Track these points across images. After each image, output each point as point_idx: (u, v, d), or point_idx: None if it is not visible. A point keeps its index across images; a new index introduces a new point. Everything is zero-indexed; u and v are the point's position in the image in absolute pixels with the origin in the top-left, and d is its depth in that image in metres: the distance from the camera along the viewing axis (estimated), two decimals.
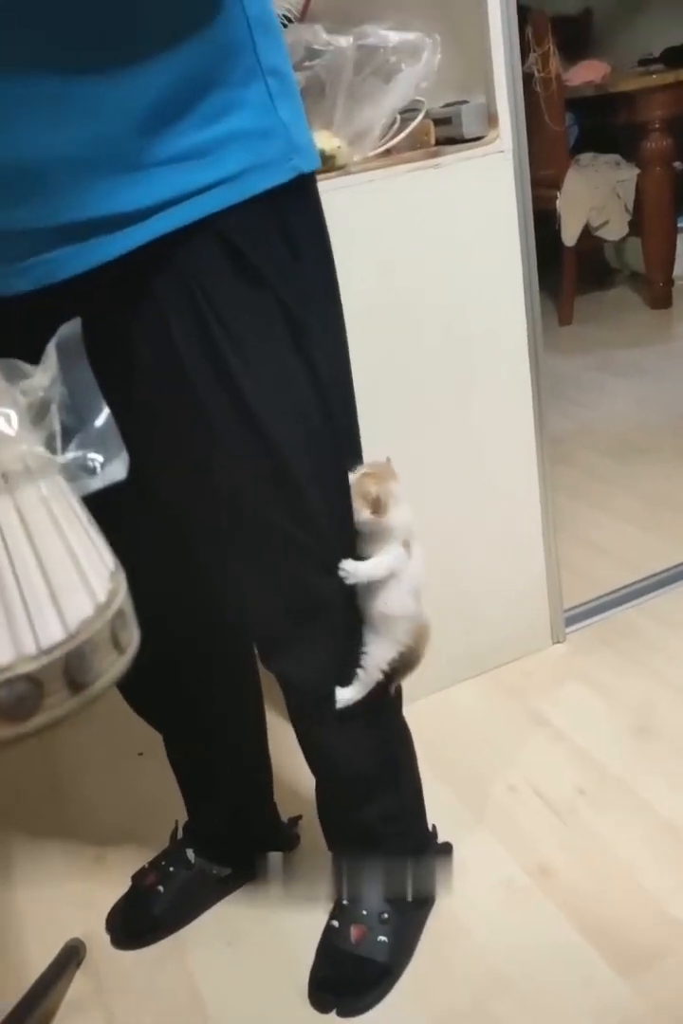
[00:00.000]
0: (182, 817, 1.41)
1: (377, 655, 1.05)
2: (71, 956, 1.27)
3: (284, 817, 1.44)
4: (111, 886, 1.41)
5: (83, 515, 0.38)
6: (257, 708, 1.32)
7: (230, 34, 0.80)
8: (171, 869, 1.36)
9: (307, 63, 1.33)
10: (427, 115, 1.47)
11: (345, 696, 1.06)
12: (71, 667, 0.29)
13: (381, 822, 1.21)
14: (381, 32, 1.36)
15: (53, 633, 0.30)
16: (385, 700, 1.12)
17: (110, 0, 0.73)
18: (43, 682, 0.29)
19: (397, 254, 1.47)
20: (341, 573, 0.98)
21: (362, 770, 1.17)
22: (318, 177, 0.94)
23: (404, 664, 1.09)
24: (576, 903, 1.28)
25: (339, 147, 1.37)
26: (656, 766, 1.50)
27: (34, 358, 0.77)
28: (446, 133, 1.48)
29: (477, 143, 1.46)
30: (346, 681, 1.07)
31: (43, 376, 0.45)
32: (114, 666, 0.31)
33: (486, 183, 1.49)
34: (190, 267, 0.84)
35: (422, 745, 1.27)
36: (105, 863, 1.49)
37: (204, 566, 1.05)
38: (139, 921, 1.33)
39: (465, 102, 1.46)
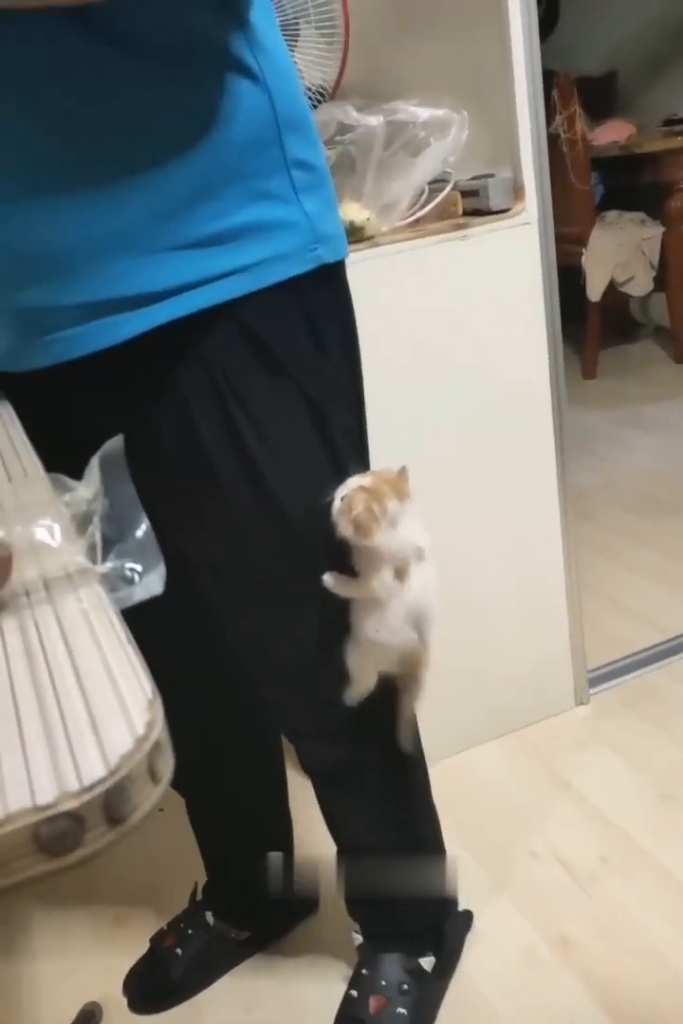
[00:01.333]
0: (202, 878, 1.41)
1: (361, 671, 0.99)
2: (88, 1020, 1.27)
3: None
4: (129, 947, 1.41)
5: (122, 631, 0.40)
6: (278, 774, 1.33)
7: (257, 130, 0.83)
8: (190, 932, 1.36)
9: (338, 138, 1.37)
10: (455, 187, 1.50)
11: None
12: (111, 803, 0.31)
13: (403, 890, 1.21)
14: (411, 108, 1.40)
15: (94, 768, 0.31)
16: (409, 771, 1.12)
17: (133, 99, 0.77)
18: (84, 818, 0.30)
19: (424, 320, 1.50)
20: (324, 583, 0.93)
21: (384, 841, 1.17)
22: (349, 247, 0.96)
23: (401, 690, 1.03)
24: (597, 976, 1.26)
25: (368, 219, 1.40)
26: (681, 834, 1.48)
27: (46, 433, 0.81)
28: (473, 205, 1.51)
29: (503, 215, 1.49)
30: (371, 756, 1.06)
31: (86, 489, 0.47)
32: (150, 798, 0.32)
33: (512, 252, 1.52)
34: (212, 354, 0.86)
35: (441, 807, 1.26)
36: (124, 923, 1.49)
37: (227, 644, 1.06)
38: (157, 985, 1.33)
39: (492, 175, 1.49)
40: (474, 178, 1.52)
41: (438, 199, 1.47)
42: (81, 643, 0.41)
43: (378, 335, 1.45)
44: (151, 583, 0.45)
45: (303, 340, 0.90)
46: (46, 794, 0.31)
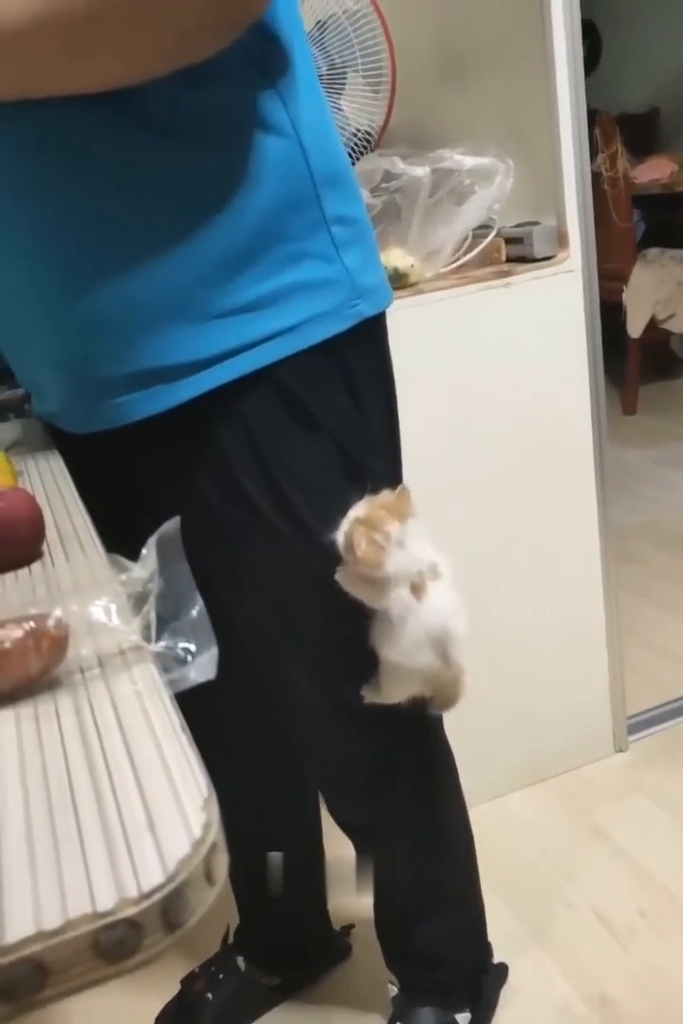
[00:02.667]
0: (234, 921, 1.40)
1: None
2: None
3: (336, 926, 1.42)
4: (160, 989, 1.40)
5: (176, 718, 0.40)
6: (314, 821, 1.32)
7: (292, 190, 0.83)
8: (221, 976, 1.35)
9: (384, 185, 1.38)
10: (498, 234, 1.50)
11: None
12: (169, 909, 0.31)
13: (440, 943, 1.19)
14: (456, 156, 1.41)
15: (153, 874, 0.31)
16: (447, 824, 1.11)
17: (167, 171, 0.78)
18: (143, 925, 0.30)
19: (466, 365, 1.50)
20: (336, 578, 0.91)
21: (422, 890, 1.16)
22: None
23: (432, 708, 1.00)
24: None
25: (412, 265, 1.41)
26: None
27: (95, 488, 0.83)
28: (517, 252, 1.51)
29: (547, 262, 1.49)
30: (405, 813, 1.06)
31: (143, 570, 0.47)
32: (206, 901, 0.32)
33: (555, 300, 1.52)
34: (250, 414, 0.86)
35: (477, 854, 1.24)
36: (155, 964, 1.48)
37: (266, 698, 1.06)
38: None
39: (536, 223, 1.50)
40: (518, 225, 1.52)
41: (482, 246, 1.48)
42: (136, 729, 0.41)
43: (420, 380, 1.46)
44: (205, 665, 0.45)
45: (341, 397, 0.90)
46: (106, 900, 0.31)
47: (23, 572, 0.62)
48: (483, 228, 1.50)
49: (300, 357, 0.85)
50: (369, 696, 0.97)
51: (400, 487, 0.89)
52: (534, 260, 1.48)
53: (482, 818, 1.61)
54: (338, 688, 1.00)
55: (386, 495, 0.88)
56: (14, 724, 0.44)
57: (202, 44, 0.72)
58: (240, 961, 1.36)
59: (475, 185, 1.41)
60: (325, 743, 1.07)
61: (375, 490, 0.90)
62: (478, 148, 1.44)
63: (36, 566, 0.63)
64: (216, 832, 0.34)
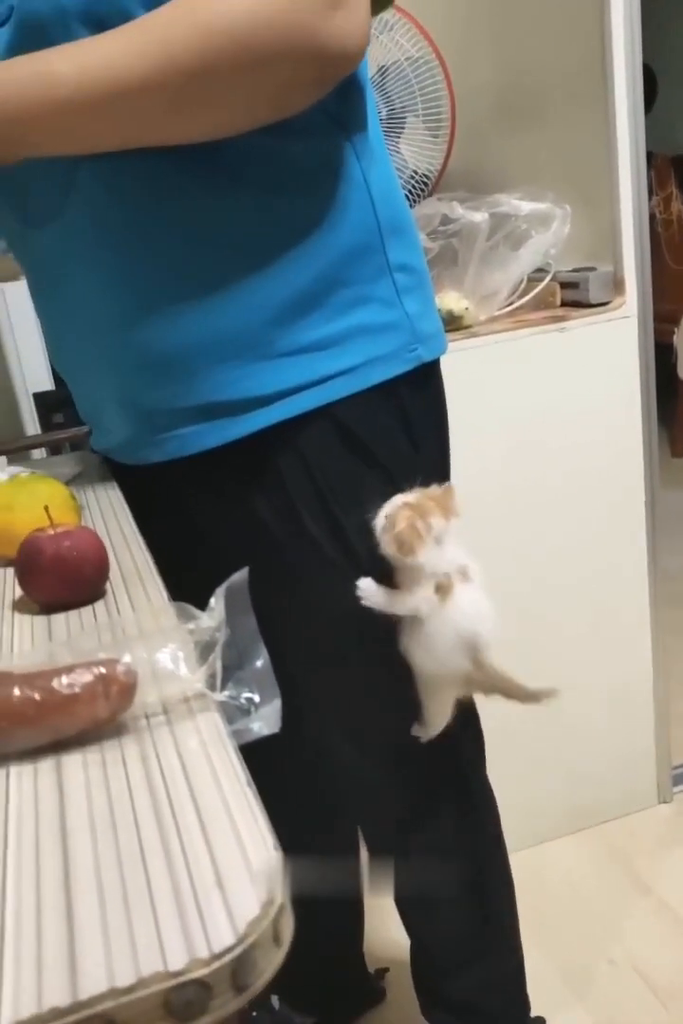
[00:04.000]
0: None
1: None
2: None
3: (371, 969, 1.41)
4: None
5: (242, 772, 0.41)
6: (353, 859, 1.31)
7: (360, 238, 0.86)
8: (254, 1014, 1.34)
9: (441, 228, 1.39)
10: (554, 278, 1.50)
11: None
12: (238, 970, 0.31)
13: (478, 992, 1.17)
14: (514, 201, 1.41)
15: (223, 936, 0.31)
16: (490, 878, 1.10)
17: (240, 216, 0.81)
18: (212, 986, 0.31)
19: (519, 407, 1.50)
20: (358, 591, 0.90)
21: (461, 938, 1.14)
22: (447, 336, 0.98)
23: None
24: None
25: (467, 308, 1.41)
26: None
27: (152, 524, 0.84)
28: (572, 296, 1.51)
29: (603, 308, 1.48)
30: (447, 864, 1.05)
31: (211, 619, 0.48)
32: (274, 962, 0.32)
33: (610, 345, 1.51)
34: (309, 451, 0.88)
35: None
36: None
37: (313, 738, 1.06)
38: None
39: (593, 269, 1.49)
40: (574, 270, 1.52)
41: (537, 290, 1.48)
42: (202, 781, 0.42)
43: (473, 421, 1.46)
44: (269, 718, 0.46)
45: (398, 436, 0.92)
46: (177, 959, 0.31)
47: (86, 610, 0.64)
48: (538, 272, 1.50)
49: (359, 397, 0.87)
50: (418, 732, 0.96)
51: (447, 484, 0.88)
52: (589, 305, 1.48)
53: (523, 864, 1.59)
54: (384, 726, 1.00)
55: (434, 489, 0.87)
56: (82, 768, 0.45)
57: (294, 101, 0.75)
58: (274, 1000, 1.35)
59: (532, 230, 1.42)
60: (367, 783, 1.06)
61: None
62: (536, 193, 1.44)
63: (99, 604, 0.64)
64: (284, 893, 0.35)
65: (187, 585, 0.75)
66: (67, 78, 0.68)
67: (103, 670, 0.46)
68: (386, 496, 0.91)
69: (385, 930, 1.41)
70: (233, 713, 0.48)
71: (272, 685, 0.47)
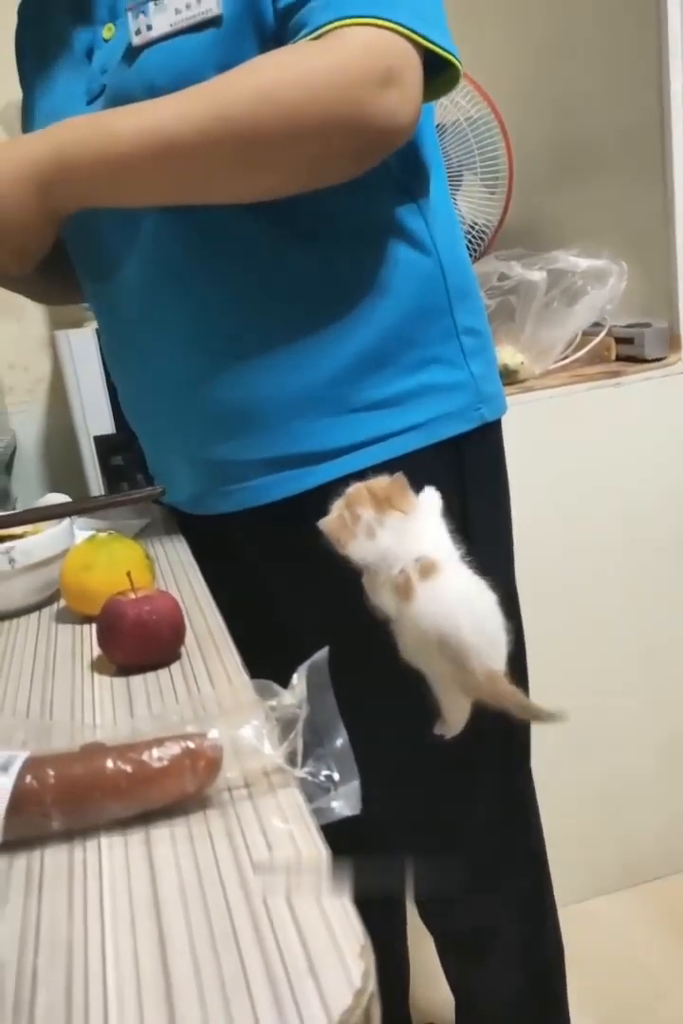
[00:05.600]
0: None
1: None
2: None
3: None
4: None
5: (326, 854, 0.42)
6: (399, 916, 1.32)
7: (430, 302, 0.89)
8: None
9: (498, 283, 1.41)
10: (609, 333, 1.51)
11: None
12: None
13: None
14: (571, 258, 1.43)
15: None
16: (541, 924, 1.09)
17: (312, 276, 0.84)
18: None
19: (574, 461, 1.50)
20: None
21: (509, 1000, 1.13)
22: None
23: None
24: None
25: (522, 363, 1.43)
26: None
27: (218, 574, 0.87)
28: (627, 351, 1.52)
29: (658, 364, 1.49)
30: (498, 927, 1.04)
31: (292, 697, 0.50)
32: None
33: (666, 401, 1.51)
34: None
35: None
36: None
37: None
38: None
39: (648, 325, 1.50)
40: (629, 325, 1.53)
41: (592, 345, 1.49)
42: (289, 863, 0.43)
43: (529, 475, 1.46)
44: (350, 798, 0.47)
45: (457, 493, 0.93)
46: None
47: (163, 673, 0.66)
48: (594, 327, 1.51)
49: (425, 451, 0.89)
50: (439, 729, 0.87)
51: (396, 475, 0.79)
52: (645, 361, 1.49)
53: (572, 919, 1.57)
54: (447, 790, 1.00)
55: (380, 480, 0.79)
56: (170, 842, 0.46)
57: (341, 169, 0.78)
58: None
59: (588, 286, 1.43)
60: (421, 842, 1.06)
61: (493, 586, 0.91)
62: (592, 250, 1.46)
63: (175, 667, 0.67)
64: (374, 982, 0.36)
65: (251, 633, 0.77)
66: (126, 135, 0.72)
67: (191, 744, 0.48)
68: None
69: (430, 987, 1.40)
70: (312, 790, 0.49)
71: (351, 764, 0.49)
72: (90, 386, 1.77)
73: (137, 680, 0.66)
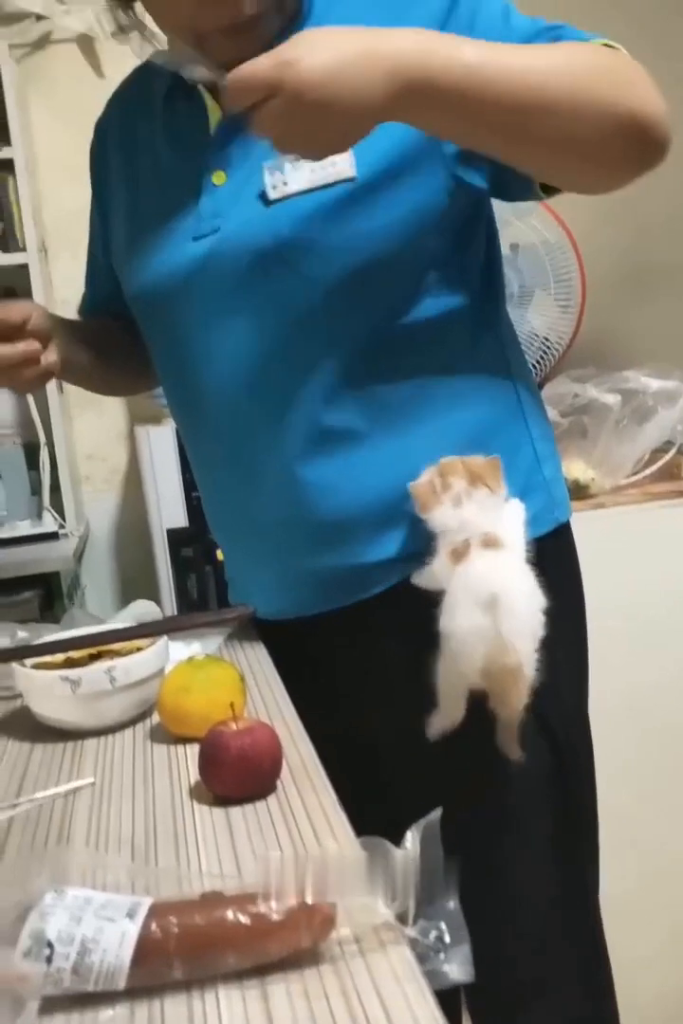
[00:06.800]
0: None
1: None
2: None
3: None
4: None
5: (440, 1019, 0.43)
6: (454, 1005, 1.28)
7: (503, 413, 0.95)
8: None
9: (572, 401, 1.44)
10: (679, 451, 1.53)
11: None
12: None
13: None
14: (642, 378, 1.45)
15: None
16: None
17: (401, 400, 0.90)
18: None
19: (644, 579, 1.51)
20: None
21: None
22: (573, 505, 1.02)
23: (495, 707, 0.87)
24: None
25: (593, 479, 1.45)
26: None
27: (296, 675, 0.91)
28: None
29: None
30: None
31: (404, 856, 0.51)
32: None
33: None
34: None
35: None
36: None
37: None
38: None
39: None
40: None
41: (661, 462, 1.51)
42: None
43: (600, 590, 1.46)
44: (462, 962, 0.48)
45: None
46: None
47: (262, 806, 0.68)
48: (665, 443, 1.53)
49: None
50: (433, 724, 0.87)
51: (494, 456, 0.86)
52: None
53: None
54: (537, 879, 0.99)
55: (477, 458, 0.85)
56: (287, 998, 0.48)
57: (627, 168, 0.81)
58: None
59: (658, 406, 1.45)
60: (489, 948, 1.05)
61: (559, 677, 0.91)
62: (663, 370, 1.48)
63: (272, 800, 0.68)
64: None
65: (330, 740, 0.79)
66: (471, 54, 0.72)
67: (307, 899, 0.50)
68: None
69: None
70: (423, 950, 0.50)
71: (461, 927, 0.50)
72: (167, 479, 1.83)
73: (236, 812, 0.67)
